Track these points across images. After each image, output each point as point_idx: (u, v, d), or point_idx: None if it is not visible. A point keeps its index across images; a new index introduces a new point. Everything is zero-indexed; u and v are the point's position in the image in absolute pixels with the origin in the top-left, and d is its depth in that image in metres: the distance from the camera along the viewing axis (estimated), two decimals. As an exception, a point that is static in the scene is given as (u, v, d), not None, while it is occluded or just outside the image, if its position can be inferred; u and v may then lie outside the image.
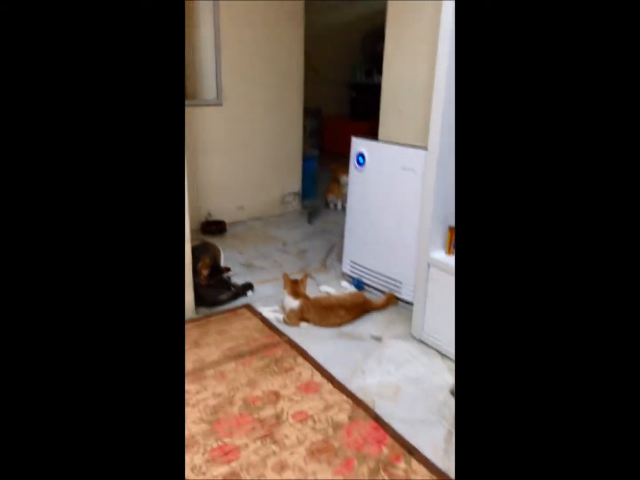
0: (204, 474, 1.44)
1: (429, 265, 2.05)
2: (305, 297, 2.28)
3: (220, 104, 3.47)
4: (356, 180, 2.61)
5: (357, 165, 2.57)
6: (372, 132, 3.61)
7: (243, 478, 1.43)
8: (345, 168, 3.83)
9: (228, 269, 2.68)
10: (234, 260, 2.95)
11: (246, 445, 1.55)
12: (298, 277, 2.34)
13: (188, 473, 1.44)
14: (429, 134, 1.98)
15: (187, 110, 3.20)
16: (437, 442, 1.57)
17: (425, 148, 2.15)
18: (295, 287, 2.28)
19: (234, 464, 1.48)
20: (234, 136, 3.59)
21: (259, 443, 1.56)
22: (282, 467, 1.47)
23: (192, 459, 1.50)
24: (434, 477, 1.45)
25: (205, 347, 2.10)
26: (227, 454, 1.52)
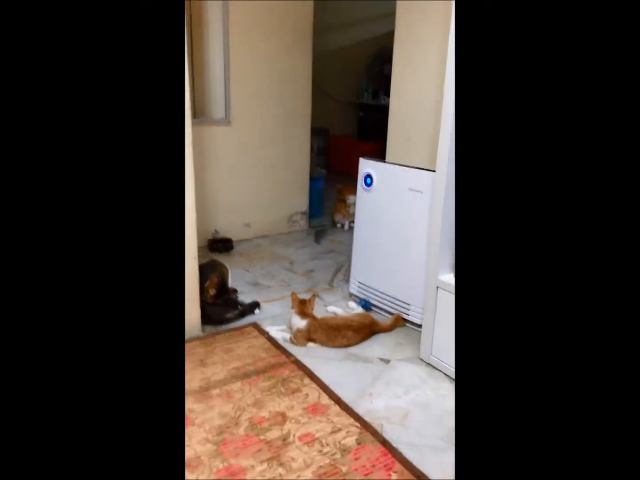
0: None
1: (437, 288, 2.05)
2: (313, 317, 2.27)
3: (228, 123, 3.50)
4: (364, 201, 2.62)
5: (364, 186, 2.58)
6: (378, 152, 3.64)
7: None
8: (351, 188, 3.85)
9: (235, 291, 2.67)
10: (240, 279, 2.95)
11: (252, 467, 1.53)
12: (306, 296, 2.34)
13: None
14: (437, 156, 1.99)
15: (196, 128, 3.23)
16: (446, 468, 1.55)
17: (432, 170, 2.17)
18: (302, 307, 2.27)
19: (239, 487, 1.46)
20: (241, 155, 3.62)
21: (265, 465, 1.54)
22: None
23: (198, 479, 1.48)
24: (444, 505, 1.43)
25: (211, 365, 2.08)
26: (232, 475, 1.50)
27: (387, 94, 2.97)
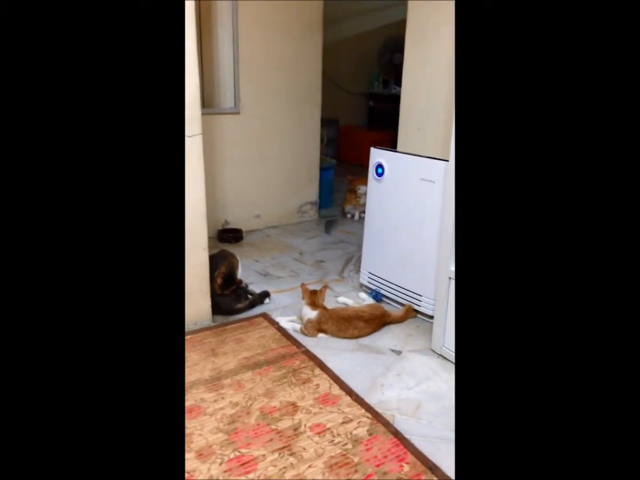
0: None
1: (449, 278, 2.03)
2: (324, 308, 2.27)
3: (237, 113, 3.49)
4: (375, 191, 2.60)
5: (375, 176, 2.56)
6: (389, 142, 3.61)
7: (261, 491, 1.41)
8: (362, 178, 3.83)
9: (241, 282, 2.65)
10: (250, 269, 2.95)
11: (264, 457, 1.53)
12: (316, 287, 2.33)
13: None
14: (449, 145, 1.96)
15: (205, 118, 3.21)
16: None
17: (445, 160, 2.15)
18: (313, 298, 2.26)
19: (251, 476, 1.46)
20: (251, 144, 3.60)
21: (276, 455, 1.54)
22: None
23: (209, 468, 1.48)
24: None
25: (222, 355, 2.09)
26: (244, 464, 1.51)
27: (398, 83, 2.94)
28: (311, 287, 2.32)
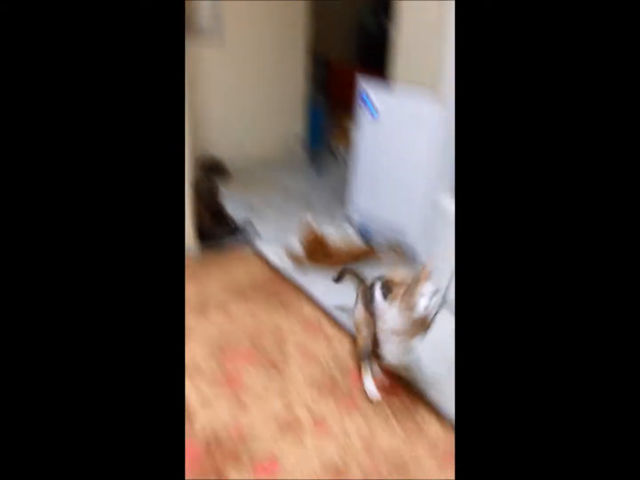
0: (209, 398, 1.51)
1: (437, 212, 2.04)
2: (311, 241, 2.31)
3: (223, 45, 3.38)
4: (365, 128, 2.56)
5: (366, 112, 2.52)
6: (381, 79, 3.50)
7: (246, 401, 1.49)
8: (352, 115, 3.75)
9: (230, 218, 2.66)
10: (237, 204, 2.92)
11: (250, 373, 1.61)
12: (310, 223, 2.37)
13: (193, 398, 1.50)
14: (439, 68, 1.92)
15: (188, 49, 3.12)
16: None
17: (437, 95, 2.11)
18: (307, 236, 2.32)
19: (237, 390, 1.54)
20: (235, 76, 3.53)
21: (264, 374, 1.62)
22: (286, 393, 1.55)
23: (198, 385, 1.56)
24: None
25: (208, 284, 2.12)
26: (232, 380, 1.58)
27: (389, 16, 2.83)
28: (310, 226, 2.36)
